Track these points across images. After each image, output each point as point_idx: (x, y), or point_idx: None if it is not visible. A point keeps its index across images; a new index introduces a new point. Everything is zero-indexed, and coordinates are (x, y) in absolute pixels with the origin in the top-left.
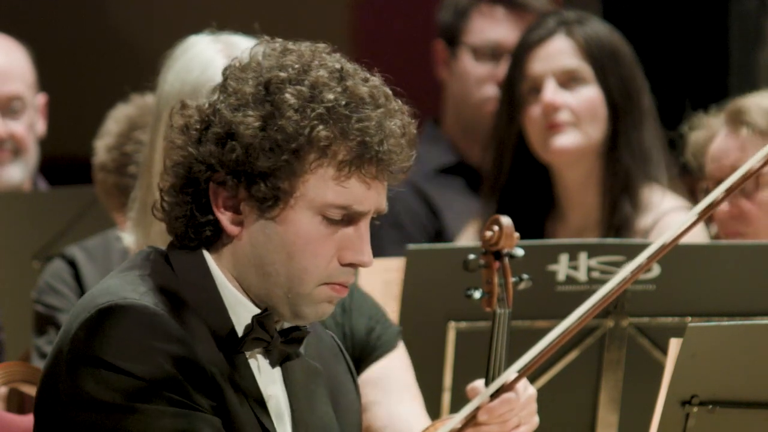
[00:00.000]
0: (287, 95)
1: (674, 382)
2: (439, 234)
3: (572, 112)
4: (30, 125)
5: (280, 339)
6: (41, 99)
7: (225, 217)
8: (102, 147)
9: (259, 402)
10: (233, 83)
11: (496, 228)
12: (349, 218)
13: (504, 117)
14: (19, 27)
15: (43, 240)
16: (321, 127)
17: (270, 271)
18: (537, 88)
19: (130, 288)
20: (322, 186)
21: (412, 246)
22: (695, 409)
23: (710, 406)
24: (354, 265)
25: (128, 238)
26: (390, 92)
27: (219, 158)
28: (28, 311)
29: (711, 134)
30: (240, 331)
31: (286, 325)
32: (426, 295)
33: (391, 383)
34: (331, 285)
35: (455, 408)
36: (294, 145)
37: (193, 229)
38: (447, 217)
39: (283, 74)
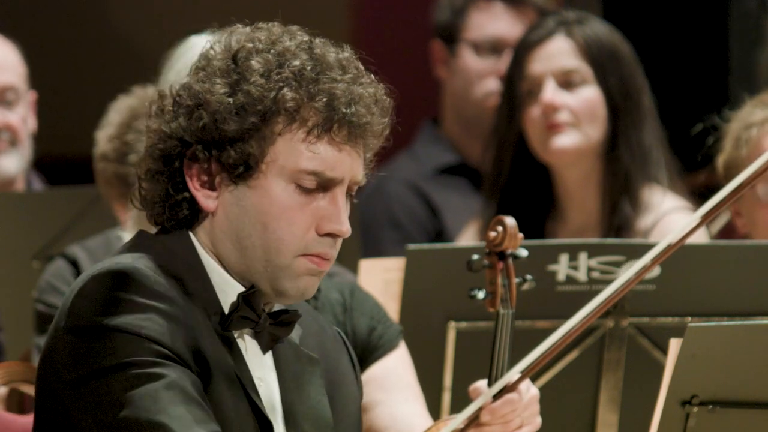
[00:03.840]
0: (254, 62)
1: (674, 382)
2: (440, 234)
3: (572, 113)
4: (24, 118)
5: (269, 321)
6: (32, 96)
7: (200, 193)
8: (103, 137)
9: (250, 382)
10: (203, 62)
11: (500, 228)
12: (323, 186)
13: (504, 117)
14: (21, 26)
15: (43, 240)
16: (286, 89)
17: (247, 245)
18: (536, 89)
19: (126, 256)
20: (293, 151)
21: (412, 246)
22: (695, 409)
23: (710, 406)
24: (333, 236)
25: (129, 237)
26: (362, 66)
27: (189, 129)
28: (28, 311)
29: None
30: (227, 311)
31: (276, 308)
32: (426, 295)
33: (392, 383)
34: (309, 257)
35: (455, 408)
36: (260, 107)
37: (170, 209)
38: (447, 216)
39: (250, 45)
